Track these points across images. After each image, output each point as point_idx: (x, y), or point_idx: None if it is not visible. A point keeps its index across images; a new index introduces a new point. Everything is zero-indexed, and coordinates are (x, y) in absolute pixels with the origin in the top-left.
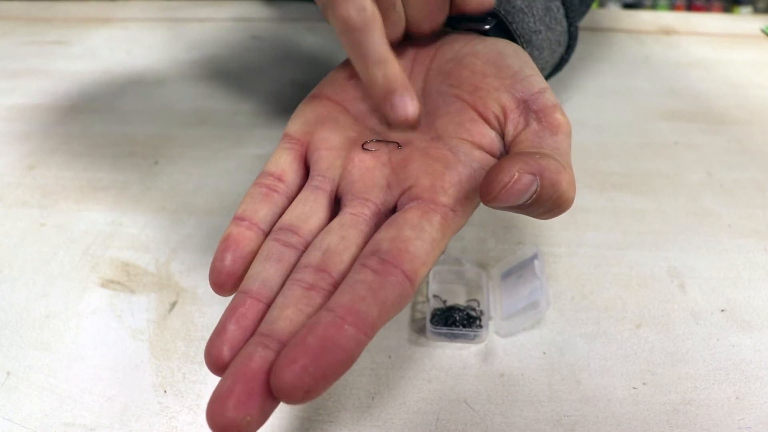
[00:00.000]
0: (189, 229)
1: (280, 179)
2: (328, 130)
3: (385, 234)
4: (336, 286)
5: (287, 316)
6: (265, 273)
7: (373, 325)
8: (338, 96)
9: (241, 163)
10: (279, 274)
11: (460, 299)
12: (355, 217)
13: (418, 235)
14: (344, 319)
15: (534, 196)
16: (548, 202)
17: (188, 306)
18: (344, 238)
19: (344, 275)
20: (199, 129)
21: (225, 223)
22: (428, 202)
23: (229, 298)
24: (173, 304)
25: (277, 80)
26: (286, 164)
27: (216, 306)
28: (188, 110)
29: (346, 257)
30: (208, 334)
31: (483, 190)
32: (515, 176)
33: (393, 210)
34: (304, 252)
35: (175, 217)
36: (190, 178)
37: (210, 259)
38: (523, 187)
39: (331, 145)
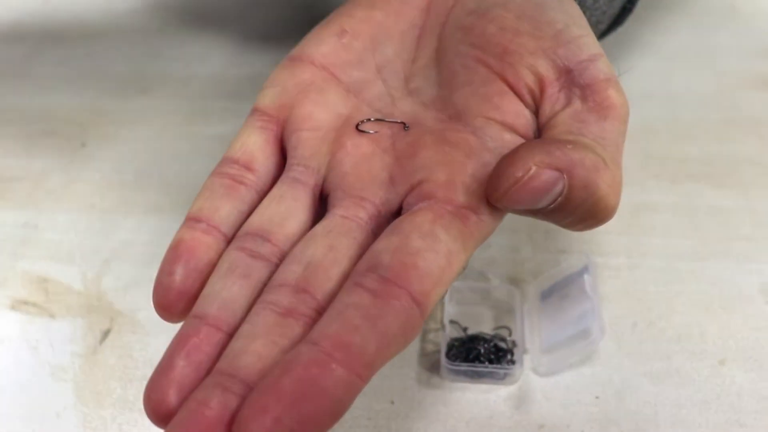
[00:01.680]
0: (127, 233)
1: (247, 168)
2: (311, 105)
3: (386, 244)
4: (321, 311)
5: (255, 349)
6: (227, 292)
7: (370, 364)
8: (326, 59)
9: (195, 145)
10: (245, 294)
11: (485, 326)
12: (347, 221)
13: (430, 245)
14: (331, 356)
15: (559, 199)
16: (579, 210)
17: (126, 335)
18: (332, 248)
19: (332, 297)
20: (141, 100)
21: (175, 226)
22: (444, 203)
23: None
24: (106, 333)
25: (245, 35)
26: (257, 148)
27: (163, 335)
28: (126, 75)
29: (334, 274)
30: (150, 372)
31: (489, 184)
32: (531, 171)
33: (397, 212)
34: (278, 266)
35: (109, 217)
36: (128, 165)
37: (155, 273)
38: (541, 186)
39: (315, 125)
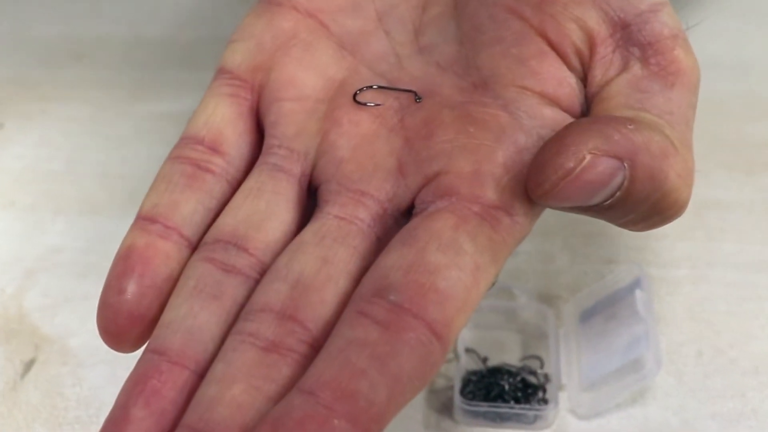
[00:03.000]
0: (56, 237)
1: (214, 150)
2: (295, 65)
3: (397, 259)
4: (315, 346)
5: (233, 397)
6: (193, 319)
7: (380, 416)
8: (311, 3)
9: (142, 126)
10: (216, 321)
11: (510, 356)
12: (345, 224)
13: (452, 260)
14: (332, 409)
15: (618, 193)
16: (642, 205)
17: (54, 367)
18: (327, 261)
19: (327, 327)
20: (74, 70)
21: (118, 227)
22: (469, 201)
23: (132, 358)
24: (29, 364)
25: None
26: (226, 123)
27: (101, 367)
28: (56, 39)
29: (329, 295)
30: (86, 414)
31: (531, 177)
32: (586, 160)
33: (407, 211)
34: (258, 282)
35: (33, 216)
36: (57, 152)
37: (93, 288)
38: (597, 178)
39: (301, 93)
